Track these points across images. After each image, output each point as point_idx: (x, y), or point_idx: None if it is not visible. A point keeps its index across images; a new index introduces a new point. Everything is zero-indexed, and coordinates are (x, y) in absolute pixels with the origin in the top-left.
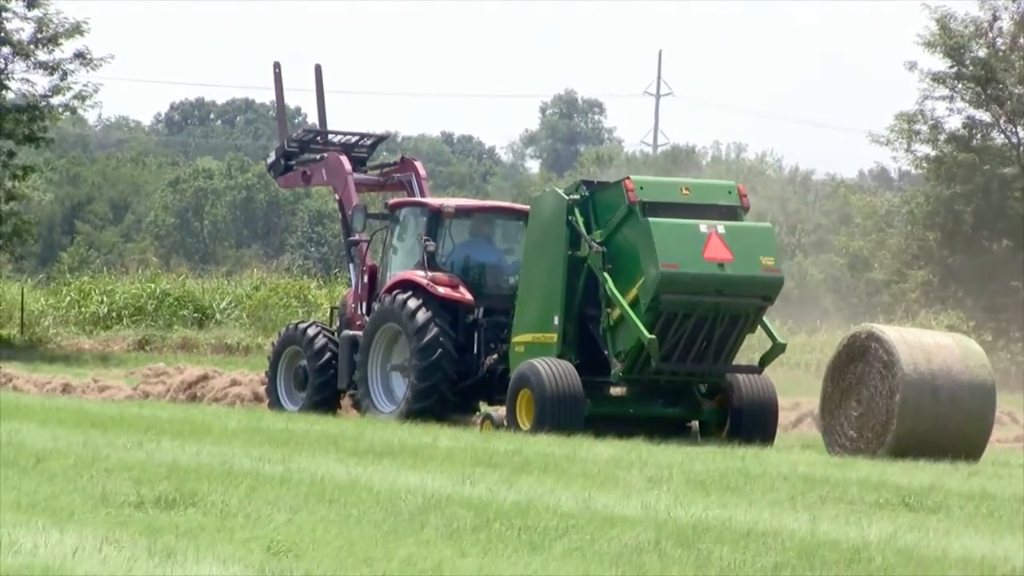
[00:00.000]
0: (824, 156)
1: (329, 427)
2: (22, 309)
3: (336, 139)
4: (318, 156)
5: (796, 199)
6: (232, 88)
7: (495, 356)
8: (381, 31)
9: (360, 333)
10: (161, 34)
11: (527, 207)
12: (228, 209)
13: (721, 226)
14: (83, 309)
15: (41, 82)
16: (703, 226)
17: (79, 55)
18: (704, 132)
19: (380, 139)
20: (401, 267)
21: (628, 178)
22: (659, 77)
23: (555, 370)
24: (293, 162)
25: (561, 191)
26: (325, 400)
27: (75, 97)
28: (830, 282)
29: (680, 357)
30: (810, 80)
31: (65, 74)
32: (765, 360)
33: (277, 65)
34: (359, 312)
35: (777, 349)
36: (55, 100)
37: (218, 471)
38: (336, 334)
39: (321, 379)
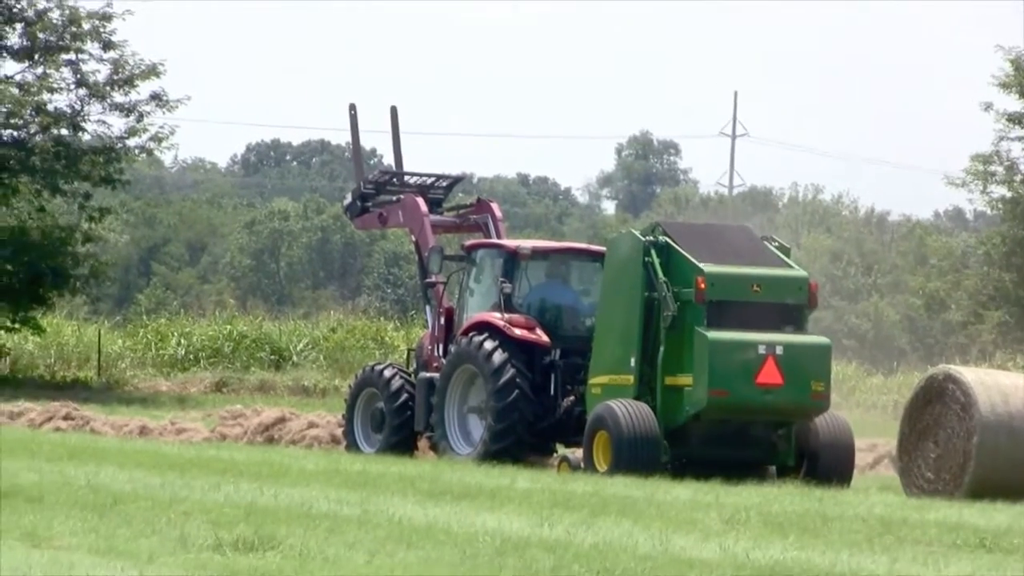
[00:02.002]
0: (900, 197)
1: (407, 469)
2: (99, 351)
3: (412, 180)
4: (394, 198)
5: (872, 240)
6: (308, 130)
7: (572, 398)
8: (456, 72)
9: (437, 375)
10: (237, 75)
11: (603, 248)
12: (304, 251)
13: (780, 347)
14: (160, 351)
15: (117, 124)
16: (762, 347)
17: (155, 96)
18: (780, 173)
19: (456, 180)
20: (478, 309)
21: (702, 275)
22: (735, 118)
23: (632, 412)
24: (370, 204)
25: (637, 233)
26: (402, 442)
27: (151, 139)
28: (906, 323)
29: (717, 443)
30: (886, 121)
31: (141, 116)
32: None
33: (353, 107)
34: (436, 354)
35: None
36: (131, 142)
37: (296, 513)
38: (413, 376)
39: (398, 421)
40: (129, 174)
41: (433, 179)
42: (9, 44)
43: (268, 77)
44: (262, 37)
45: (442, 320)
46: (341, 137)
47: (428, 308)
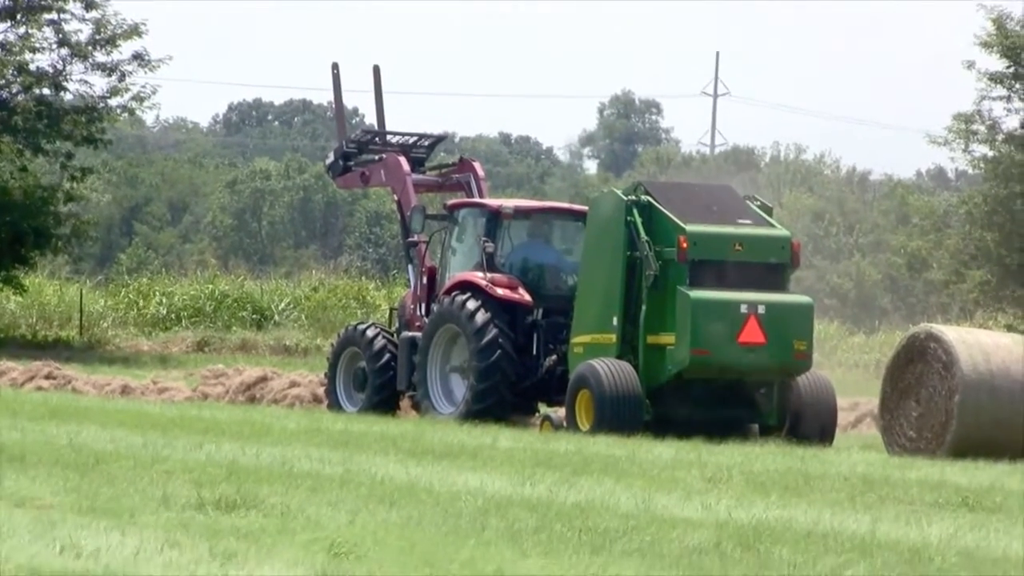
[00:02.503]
0: (882, 156)
1: (389, 428)
2: (81, 311)
3: (394, 140)
4: (376, 157)
5: (854, 199)
6: (289, 89)
7: (554, 357)
8: (438, 31)
9: (419, 334)
10: (219, 35)
11: (585, 208)
12: (286, 210)
13: (762, 306)
14: (142, 311)
15: (99, 83)
16: (744, 306)
17: (137, 56)
18: (762, 133)
19: (438, 140)
20: (460, 268)
21: (684, 234)
22: (716, 77)
23: (614, 371)
24: (352, 163)
25: (619, 192)
26: (384, 401)
27: (133, 98)
28: (888, 282)
29: (699, 402)
30: (869, 81)
31: (123, 75)
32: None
33: (335, 66)
34: (418, 313)
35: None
36: (113, 101)
37: (278, 473)
38: (395, 335)
39: (380, 380)
40: (111, 134)
41: (415, 138)
42: None
43: (250, 37)
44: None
45: (424, 279)
46: (323, 96)
47: (410, 267)
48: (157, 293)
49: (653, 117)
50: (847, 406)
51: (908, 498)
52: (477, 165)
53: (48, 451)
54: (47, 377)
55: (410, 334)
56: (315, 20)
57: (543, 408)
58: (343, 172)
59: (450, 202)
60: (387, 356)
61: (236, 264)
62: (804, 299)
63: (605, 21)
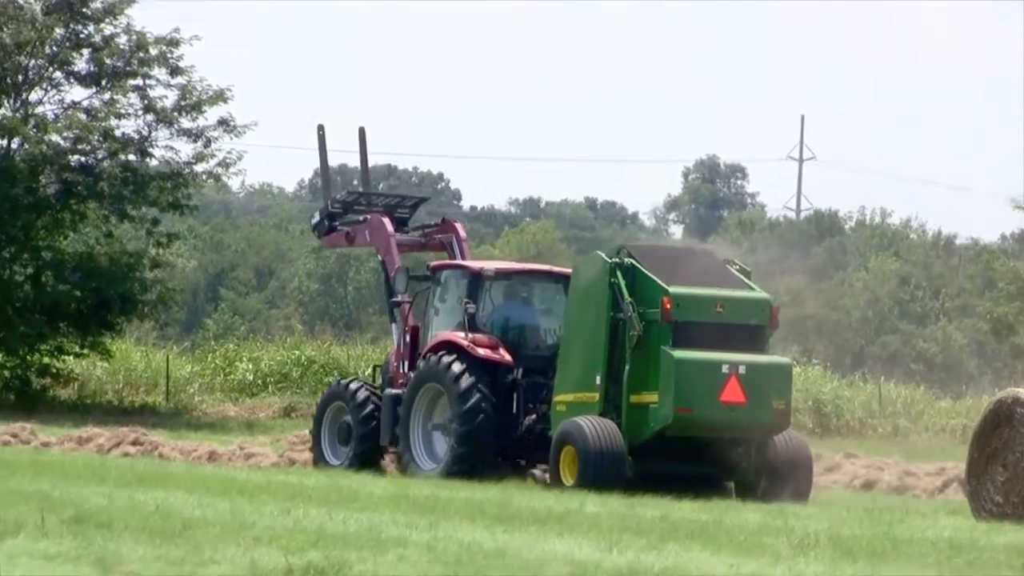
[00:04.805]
0: (967, 220)
1: (475, 494)
2: (167, 376)
3: (379, 201)
4: (361, 218)
5: (940, 263)
6: (375, 154)
7: (534, 416)
8: (523, 97)
9: (403, 391)
10: (303, 101)
11: (565, 270)
12: (372, 275)
13: (743, 366)
14: (228, 376)
15: (185, 149)
16: (726, 366)
17: (222, 122)
18: (847, 197)
19: (421, 200)
20: (442, 327)
21: (668, 296)
22: (801, 142)
23: (598, 427)
24: (337, 223)
25: (604, 255)
26: (368, 455)
27: (219, 164)
28: (974, 347)
29: (679, 459)
30: (951, 144)
31: (209, 141)
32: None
33: (321, 128)
34: (402, 371)
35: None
36: (199, 167)
37: (366, 539)
38: (380, 391)
39: (364, 434)
40: (197, 199)
41: (399, 199)
42: (77, 70)
43: (334, 103)
44: (328, 62)
45: (408, 338)
46: (408, 162)
47: (394, 326)
48: (243, 359)
49: (738, 182)
50: (934, 471)
51: (996, 563)
52: (459, 226)
53: (135, 517)
54: (134, 443)
55: (394, 391)
56: (401, 89)
57: (524, 465)
58: (328, 232)
59: (433, 264)
60: (371, 410)
61: (322, 329)
62: (784, 360)
63: (690, 86)
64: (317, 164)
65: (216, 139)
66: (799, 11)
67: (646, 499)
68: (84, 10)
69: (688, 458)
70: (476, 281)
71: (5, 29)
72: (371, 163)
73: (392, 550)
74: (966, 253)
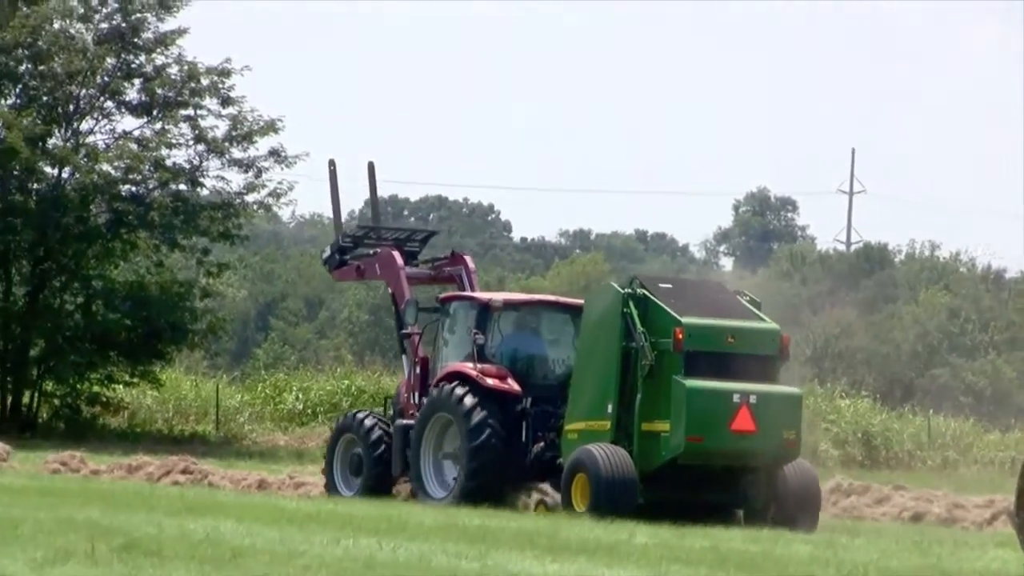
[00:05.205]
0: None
1: (525, 524)
2: (217, 406)
3: (388, 235)
4: (371, 251)
5: (989, 297)
6: (424, 185)
7: (542, 444)
8: (574, 126)
9: (413, 422)
10: (354, 131)
11: (574, 300)
12: None
13: (754, 396)
14: (278, 405)
15: (236, 179)
16: (736, 395)
17: (273, 152)
18: (897, 230)
19: (431, 235)
20: (452, 358)
21: (680, 326)
22: (852, 175)
23: (610, 455)
24: (348, 256)
25: (616, 285)
26: (379, 485)
27: (270, 194)
28: (1023, 380)
29: (689, 487)
30: (1001, 177)
31: (260, 171)
32: None
33: (332, 163)
34: (412, 401)
35: None
36: (250, 197)
37: (416, 568)
38: (391, 422)
39: (375, 465)
40: (247, 229)
41: (408, 233)
42: (128, 99)
43: (385, 133)
44: (379, 93)
45: (418, 369)
46: (458, 193)
47: (404, 357)
48: (293, 388)
49: (788, 214)
50: (982, 503)
51: None
52: (468, 258)
53: (185, 546)
54: (183, 472)
55: (404, 422)
56: (451, 118)
57: (534, 493)
58: (339, 265)
59: (442, 296)
60: (382, 441)
61: (372, 359)
62: (794, 390)
63: (740, 118)
64: (367, 195)
65: (267, 169)
66: (849, 44)
67: (695, 529)
68: (136, 40)
69: (699, 486)
70: (485, 312)
71: (57, 59)
72: (423, 194)
73: None
74: (1016, 287)
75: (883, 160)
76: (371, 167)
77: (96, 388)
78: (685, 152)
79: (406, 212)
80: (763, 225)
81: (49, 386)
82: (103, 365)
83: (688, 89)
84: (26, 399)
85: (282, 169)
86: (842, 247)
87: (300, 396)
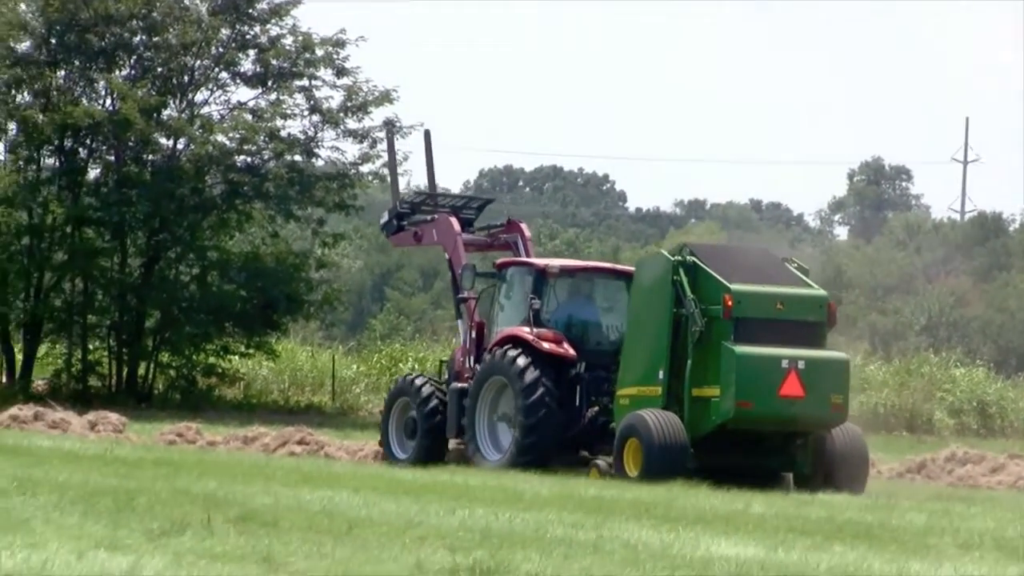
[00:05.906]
0: None
1: (641, 494)
2: (333, 376)
3: (445, 202)
4: (429, 217)
5: None
6: (540, 155)
7: (596, 408)
8: (691, 98)
9: (468, 385)
10: (470, 101)
11: (627, 267)
12: None
13: (802, 361)
14: (394, 376)
15: (351, 150)
16: (785, 361)
17: (388, 123)
18: (1012, 198)
19: (487, 202)
20: (507, 323)
21: (729, 293)
22: (966, 144)
23: (662, 421)
24: (405, 223)
25: (667, 253)
26: (433, 448)
27: (384, 165)
28: None
29: (739, 452)
30: None
31: (375, 142)
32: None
33: (428, 133)
34: (467, 365)
35: None
36: (364, 168)
37: (532, 538)
38: (445, 386)
39: (429, 428)
40: (362, 200)
41: (465, 200)
42: (243, 71)
43: (501, 103)
44: (494, 62)
45: (473, 333)
46: (574, 163)
47: (460, 322)
48: (409, 359)
49: (903, 184)
50: None
51: None
52: (524, 226)
53: (301, 516)
54: (299, 442)
55: (460, 385)
56: (566, 88)
57: (586, 456)
58: (396, 231)
59: (499, 261)
60: (436, 404)
61: None
62: (841, 355)
63: (855, 87)
64: (483, 166)
65: (382, 140)
66: (965, 10)
67: (812, 499)
68: (250, 11)
69: (748, 450)
70: (541, 278)
71: (171, 30)
72: (538, 164)
73: (557, 549)
74: None
75: (998, 129)
76: (427, 135)
77: (212, 359)
78: (800, 121)
79: (520, 183)
80: (878, 194)
81: (165, 357)
82: (218, 336)
83: (804, 57)
84: (142, 370)
85: (398, 139)
86: (956, 216)
87: (416, 367)
